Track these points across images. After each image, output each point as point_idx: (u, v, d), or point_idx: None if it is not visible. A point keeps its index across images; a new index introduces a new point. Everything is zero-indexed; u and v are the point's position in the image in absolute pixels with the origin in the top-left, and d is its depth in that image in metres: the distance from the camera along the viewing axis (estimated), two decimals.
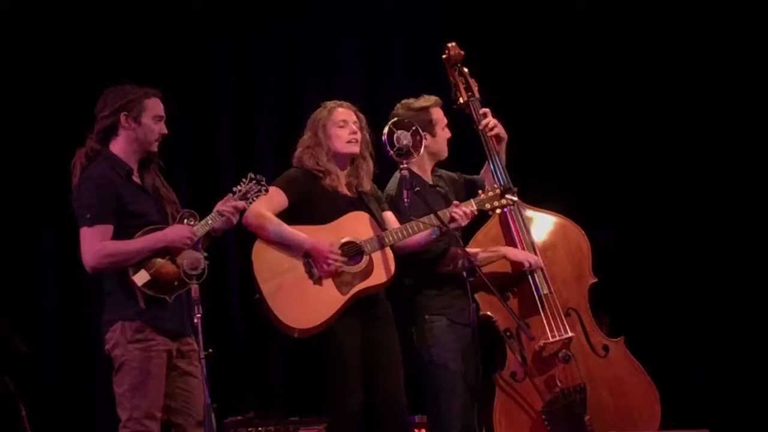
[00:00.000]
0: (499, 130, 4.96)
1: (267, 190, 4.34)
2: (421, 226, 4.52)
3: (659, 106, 6.55)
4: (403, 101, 4.91)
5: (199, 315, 4.04)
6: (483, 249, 4.75)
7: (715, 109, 6.45)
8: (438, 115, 4.88)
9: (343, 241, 4.51)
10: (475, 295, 4.63)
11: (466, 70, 5.05)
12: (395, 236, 4.54)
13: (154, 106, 4.23)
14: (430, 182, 4.89)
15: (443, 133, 4.90)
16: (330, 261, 4.43)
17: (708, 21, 6.41)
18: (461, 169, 5.10)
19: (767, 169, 6.36)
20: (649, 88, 6.54)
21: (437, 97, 4.92)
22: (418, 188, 4.52)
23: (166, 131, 4.27)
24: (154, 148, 4.26)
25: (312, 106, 4.82)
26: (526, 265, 4.74)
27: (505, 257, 4.75)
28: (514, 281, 4.80)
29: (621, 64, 6.55)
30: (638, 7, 6.56)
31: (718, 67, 6.45)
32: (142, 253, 4.10)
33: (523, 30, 6.61)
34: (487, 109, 4.99)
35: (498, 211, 4.66)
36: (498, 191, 4.62)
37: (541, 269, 4.78)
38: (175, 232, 4.15)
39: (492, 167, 4.92)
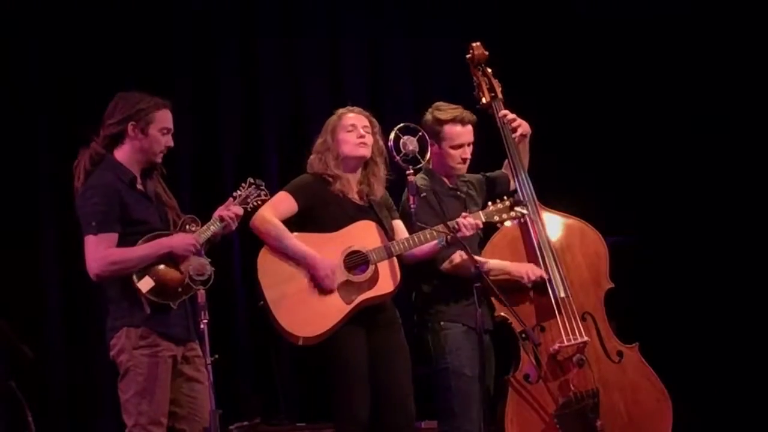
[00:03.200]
0: (523, 128, 4.89)
1: (267, 194, 4.34)
2: (428, 235, 4.49)
3: (667, 112, 6.55)
4: (437, 103, 4.85)
5: (205, 321, 4.02)
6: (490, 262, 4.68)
7: (720, 114, 6.44)
8: (450, 132, 4.76)
9: (350, 250, 4.48)
10: (491, 298, 4.62)
11: (489, 70, 4.99)
12: (402, 246, 4.51)
13: (163, 118, 4.21)
14: (450, 185, 4.84)
15: (451, 151, 4.77)
16: (326, 283, 4.41)
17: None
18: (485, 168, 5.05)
19: None
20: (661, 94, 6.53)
21: (461, 114, 4.78)
22: (424, 194, 4.48)
23: (172, 144, 4.25)
24: (159, 159, 4.25)
25: (316, 108, 4.78)
26: (525, 279, 4.66)
27: (509, 274, 4.67)
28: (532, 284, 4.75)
29: (635, 72, 6.55)
30: (649, 10, 6.54)
31: (727, 75, 6.43)
32: (146, 259, 4.09)
33: (535, 33, 6.60)
34: (507, 111, 4.92)
35: (507, 223, 4.62)
36: (507, 203, 4.58)
37: (559, 273, 4.72)
38: (180, 240, 4.15)
39: (513, 170, 4.87)
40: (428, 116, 4.81)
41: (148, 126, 4.17)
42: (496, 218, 4.58)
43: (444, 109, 4.80)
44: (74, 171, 4.21)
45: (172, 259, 4.12)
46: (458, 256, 4.63)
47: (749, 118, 6.42)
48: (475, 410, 4.58)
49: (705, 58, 6.47)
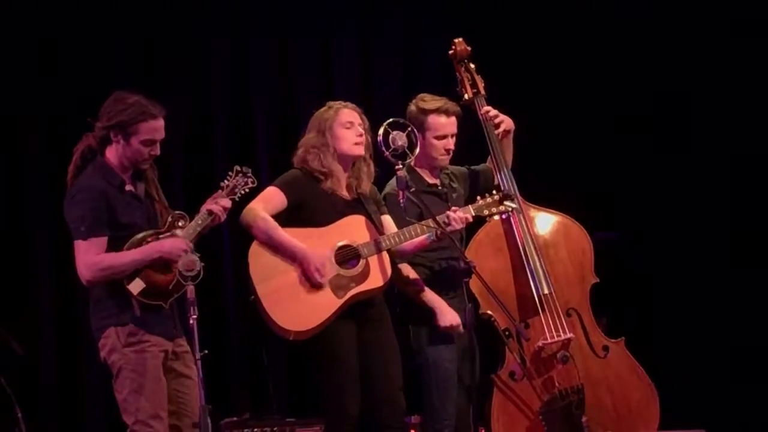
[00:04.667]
0: (506, 124, 4.90)
1: (254, 182, 4.31)
2: (418, 230, 4.50)
3: (658, 106, 6.57)
4: (420, 94, 4.85)
5: (195, 316, 4.01)
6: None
7: (705, 110, 6.47)
8: (434, 122, 4.77)
9: (340, 244, 4.48)
10: (476, 294, 4.62)
11: (472, 66, 4.99)
12: (392, 241, 4.50)
13: (148, 129, 4.15)
14: (429, 182, 4.85)
15: (434, 142, 4.77)
16: (316, 276, 4.40)
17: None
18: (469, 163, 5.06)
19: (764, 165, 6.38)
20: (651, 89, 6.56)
21: (444, 105, 4.79)
22: (413, 188, 4.50)
23: (157, 153, 4.21)
24: (145, 166, 4.23)
25: (307, 107, 4.80)
26: (445, 325, 4.58)
27: (436, 313, 4.62)
28: (516, 280, 4.76)
29: (624, 63, 6.57)
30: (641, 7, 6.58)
31: (721, 69, 6.46)
32: (137, 264, 4.09)
33: (526, 28, 6.62)
34: (490, 107, 4.93)
35: (496, 217, 4.63)
36: (497, 197, 4.59)
37: (543, 269, 4.75)
38: (171, 244, 4.13)
39: (495, 165, 4.88)
40: (412, 107, 4.80)
41: (130, 137, 4.13)
42: (486, 212, 4.58)
43: (428, 100, 4.80)
44: (71, 154, 4.20)
45: (165, 263, 4.10)
46: (406, 273, 4.65)
47: (735, 114, 6.45)
48: (453, 404, 4.60)
49: (691, 58, 6.51)
